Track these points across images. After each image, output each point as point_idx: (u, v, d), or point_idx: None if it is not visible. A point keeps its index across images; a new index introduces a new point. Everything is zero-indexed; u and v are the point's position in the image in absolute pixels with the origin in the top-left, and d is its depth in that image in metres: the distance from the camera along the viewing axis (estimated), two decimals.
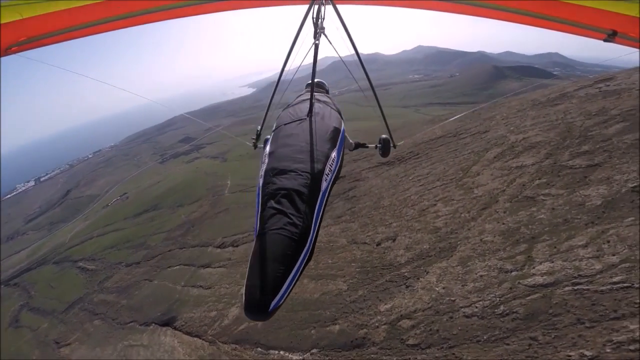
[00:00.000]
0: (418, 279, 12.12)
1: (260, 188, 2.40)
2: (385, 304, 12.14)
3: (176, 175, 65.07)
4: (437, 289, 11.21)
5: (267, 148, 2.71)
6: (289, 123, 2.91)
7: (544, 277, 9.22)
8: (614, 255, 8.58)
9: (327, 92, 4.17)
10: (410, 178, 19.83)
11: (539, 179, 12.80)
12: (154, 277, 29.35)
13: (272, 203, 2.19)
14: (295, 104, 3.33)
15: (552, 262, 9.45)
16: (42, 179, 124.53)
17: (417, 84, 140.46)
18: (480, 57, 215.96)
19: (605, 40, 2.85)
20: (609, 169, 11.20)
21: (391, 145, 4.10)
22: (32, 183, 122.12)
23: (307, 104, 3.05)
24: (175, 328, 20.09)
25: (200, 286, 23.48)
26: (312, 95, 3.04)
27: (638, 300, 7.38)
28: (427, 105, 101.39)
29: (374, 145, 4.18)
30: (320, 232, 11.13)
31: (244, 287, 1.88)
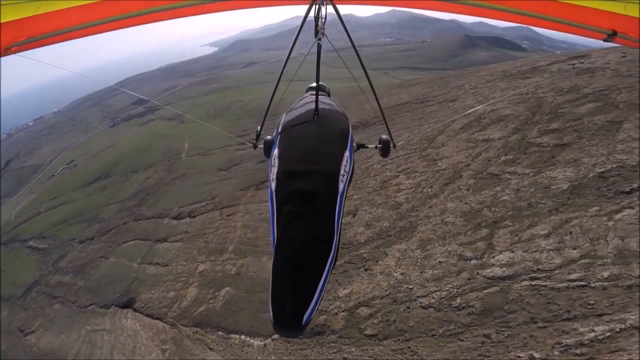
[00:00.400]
0: (377, 261, 11.57)
1: (274, 192, 2.20)
2: (344, 289, 11.59)
3: (129, 140, 61.15)
4: (395, 274, 10.69)
5: (275, 151, 2.52)
6: (295, 125, 2.75)
7: (503, 268, 8.86)
8: (574, 249, 8.25)
9: (328, 94, 3.95)
10: (374, 145, 19.16)
11: (505, 155, 12.34)
12: (109, 254, 27.95)
13: (289, 207, 2.01)
14: (298, 107, 3.17)
15: (513, 251, 9.06)
16: None
17: (388, 48, 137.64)
18: (454, 26, 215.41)
19: (605, 40, 2.85)
20: (578, 150, 10.78)
21: (391, 145, 3.97)
22: None
23: (311, 106, 2.90)
24: (135, 310, 19.42)
25: (157, 263, 22.60)
26: (317, 96, 2.90)
27: (592, 302, 7.17)
28: (397, 69, 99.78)
29: (374, 146, 4.07)
30: None
31: (270, 301, 1.70)
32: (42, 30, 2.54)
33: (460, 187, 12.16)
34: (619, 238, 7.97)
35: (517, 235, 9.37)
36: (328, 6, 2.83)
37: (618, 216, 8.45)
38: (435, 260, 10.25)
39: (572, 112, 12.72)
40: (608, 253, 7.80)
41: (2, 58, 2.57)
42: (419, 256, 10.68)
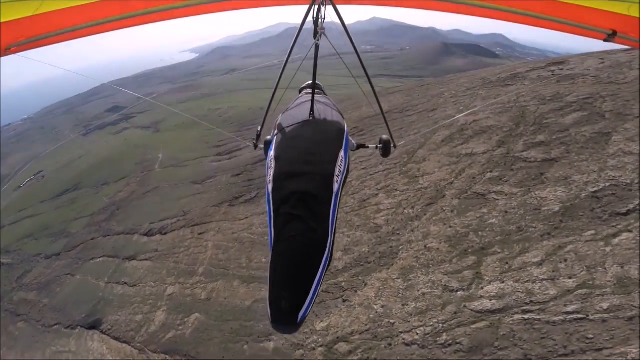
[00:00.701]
0: (356, 292, 10.57)
1: (271, 194, 2.20)
2: (322, 322, 10.56)
3: (101, 149, 58.94)
4: (375, 307, 9.71)
5: (272, 152, 2.50)
6: (291, 126, 2.71)
7: (493, 301, 7.99)
8: (570, 278, 7.47)
9: (323, 92, 3.83)
10: (353, 159, 18.27)
11: (491, 171, 11.60)
12: (76, 272, 26.61)
13: (286, 208, 2.03)
14: (294, 107, 3.14)
15: (503, 282, 8.21)
16: None
17: (368, 55, 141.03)
18: (431, 33, 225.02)
19: (605, 40, 2.83)
20: (567, 166, 10.09)
21: (392, 145, 3.93)
22: None
23: (307, 106, 2.87)
24: (102, 332, 18.29)
25: (125, 283, 21.41)
26: (313, 96, 2.85)
27: (591, 335, 6.46)
28: (376, 76, 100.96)
29: (374, 146, 4.03)
30: (255, 222, 17.82)
31: (268, 299, 1.76)
32: (42, 31, 2.53)
33: (444, 209, 11.32)
34: (618, 265, 7.27)
35: (507, 263, 8.56)
36: (328, 6, 2.82)
37: (616, 241, 7.74)
38: (418, 291, 9.34)
39: (558, 123, 12.18)
40: (607, 282, 7.09)
41: (2, 58, 2.56)
42: (401, 287, 9.74)
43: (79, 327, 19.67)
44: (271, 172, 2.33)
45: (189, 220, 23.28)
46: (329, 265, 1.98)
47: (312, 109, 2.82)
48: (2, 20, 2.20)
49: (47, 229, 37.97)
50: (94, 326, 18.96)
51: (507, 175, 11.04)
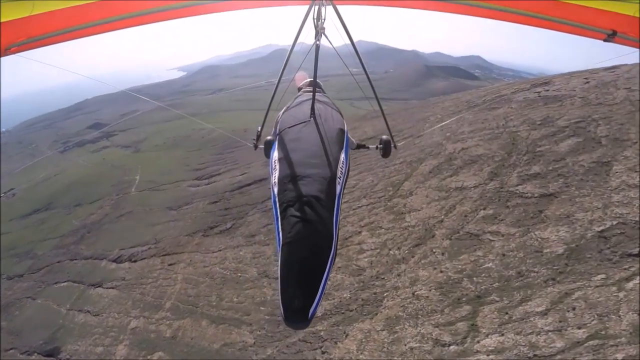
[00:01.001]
0: (336, 343, 9.38)
1: (276, 196, 2.25)
2: None
3: (78, 168, 56.54)
4: None
5: (275, 154, 2.57)
6: (292, 126, 2.77)
7: (491, 356, 7.00)
8: (579, 328, 6.57)
9: (322, 90, 3.75)
10: (375, 146, 17.75)
11: (484, 208, 10.70)
12: (37, 295, 25.20)
13: (292, 211, 2.10)
14: (294, 106, 3.17)
15: (502, 334, 7.21)
16: None
17: (354, 78, 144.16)
18: (414, 56, 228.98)
19: (605, 40, 2.80)
20: (568, 202, 9.29)
21: (392, 145, 3.90)
22: None
23: (307, 105, 2.92)
24: None
25: (88, 311, 20.41)
26: (314, 96, 2.88)
27: None
28: (362, 99, 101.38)
29: (374, 146, 4.00)
30: (228, 255, 16.84)
31: (280, 298, 1.82)
32: (42, 31, 2.52)
33: (434, 250, 10.33)
34: (633, 312, 6.44)
35: (506, 313, 7.60)
36: (328, 6, 2.83)
37: (629, 285, 6.90)
38: (405, 345, 8.21)
39: (552, 151, 11.47)
40: (622, 331, 6.27)
41: (2, 58, 2.54)
42: (386, 339, 8.60)
43: (35, 354, 18.85)
44: (276, 174, 2.39)
45: (160, 249, 21.89)
46: (333, 263, 2.03)
47: (312, 110, 2.82)
48: (2, 20, 2.17)
49: (12, 249, 35.59)
50: (51, 354, 18.25)
51: (503, 213, 10.15)
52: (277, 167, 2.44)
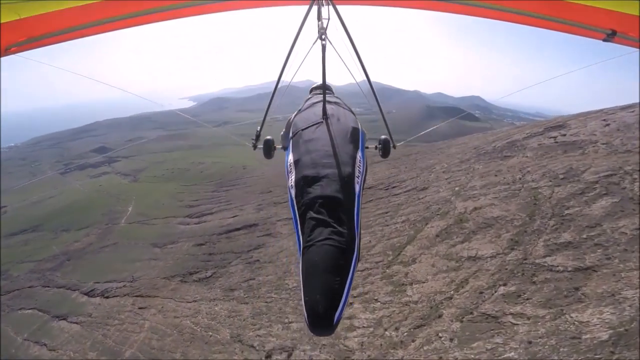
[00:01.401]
0: None
1: (294, 199, 2.26)
2: None
3: (73, 192, 56.44)
4: None
5: (290, 157, 2.58)
6: (306, 128, 2.76)
7: None
8: None
9: (332, 92, 3.73)
10: (374, 146, 16.85)
11: (504, 284, 9.09)
12: None
13: (311, 214, 2.08)
14: (306, 108, 3.16)
15: None
16: None
17: (358, 117, 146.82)
18: (416, 97, 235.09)
19: (604, 40, 2.78)
20: (612, 277, 7.76)
21: (391, 145, 3.74)
22: None
23: (319, 107, 2.92)
24: None
25: (44, 344, 19.62)
26: (324, 97, 2.91)
27: None
28: (361, 104, 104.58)
29: (374, 146, 3.77)
30: (202, 309, 15.49)
31: (304, 304, 1.78)
32: (42, 31, 2.54)
33: (440, 335, 8.77)
34: None
35: None
36: (329, 7, 2.82)
37: None
38: None
39: (584, 214, 9.75)
40: None
41: (2, 58, 2.55)
42: None
43: None
44: (292, 177, 2.38)
45: (134, 288, 21.21)
46: (357, 264, 2.00)
47: (324, 111, 2.82)
48: (3, 21, 2.19)
49: None
50: None
51: (529, 290, 8.53)
52: (293, 169, 2.45)
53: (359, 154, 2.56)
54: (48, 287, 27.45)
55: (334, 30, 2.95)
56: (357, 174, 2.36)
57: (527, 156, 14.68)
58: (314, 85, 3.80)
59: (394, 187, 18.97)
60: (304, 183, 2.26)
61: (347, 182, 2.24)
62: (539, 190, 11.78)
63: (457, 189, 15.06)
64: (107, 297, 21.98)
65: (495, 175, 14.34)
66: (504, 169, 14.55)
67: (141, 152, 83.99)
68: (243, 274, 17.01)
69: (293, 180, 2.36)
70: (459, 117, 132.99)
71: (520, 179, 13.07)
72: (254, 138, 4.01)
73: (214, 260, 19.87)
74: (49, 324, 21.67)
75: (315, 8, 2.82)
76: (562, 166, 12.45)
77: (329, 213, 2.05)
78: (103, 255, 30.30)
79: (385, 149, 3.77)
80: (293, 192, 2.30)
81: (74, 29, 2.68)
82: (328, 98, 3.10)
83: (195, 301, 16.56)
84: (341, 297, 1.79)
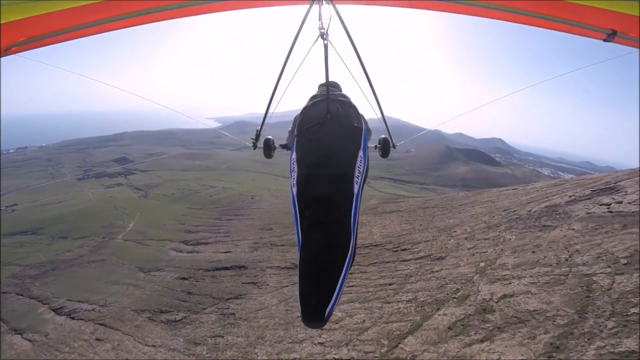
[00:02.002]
0: None
1: (295, 198, 2.34)
2: None
3: (83, 200, 56.53)
4: None
5: (294, 155, 2.68)
6: (309, 127, 2.85)
7: None
8: None
9: (340, 90, 3.65)
10: (373, 145, 14.46)
11: None
12: None
13: (310, 212, 2.19)
14: (311, 106, 3.21)
15: None
16: None
17: (373, 154, 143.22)
18: (436, 136, 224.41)
19: (605, 40, 2.77)
20: None
21: (391, 145, 3.86)
22: None
23: (323, 106, 2.96)
24: None
25: None
26: (328, 96, 2.98)
27: None
28: (378, 179, 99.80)
29: (373, 146, 3.83)
30: (158, 358, 12.85)
31: (298, 297, 1.91)
32: (42, 31, 2.53)
33: None
34: None
35: None
36: (330, 7, 2.82)
37: None
38: None
39: None
40: None
41: (2, 58, 2.55)
42: None
43: None
44: (294, 175, 2.48)
45: (101, 314, 19.69)
46: (351, 264, 2.07)
47: (328, 109, 2.88)
48: (3, 21, 2.17)
49: None
50: None
51: None
52: (296, 168, 2.52)
53: (360, 152, 2.55)
54: (21, 295, 26.38)
55: (334, 31, 2.93)
56: (356, 174, 2.37)
57: (573, 229, 11.43)
58: (321, 83, 3.58)
59: (404, 250, 16.10)
60: (305, 182, 2.35)
61: (346, 182, 2.29)
62: (594, 279, 8.74)
63: (482, 264, 11.84)
64: (72, 318, 20.57)
65: (533, 252, 11.09)
66: (543, 243, 11.33)
67: (159, 167, 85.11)
68: (213, 327, 14.84)
69: (295, 178, 2.43)
70: (480, 161, 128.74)
71: (566, 260, 10.01)
72: (254, 138, 3.98)
73: (190, 302, 17.96)
74: (3, 336, 20.51)
75: (315, 8, 2.80)
76: (624, 247, 9.40)
77: (326, 212, 2.14)
78: (87, 271, 29.07)
79: (384, 149, 3.78)
80: (295, 190, 2.36)
81: (74, 28, 2.66)
82: (335, 96, 3.14)
83: (154, 346, 14.61)
84: (333, 293, 1.87)
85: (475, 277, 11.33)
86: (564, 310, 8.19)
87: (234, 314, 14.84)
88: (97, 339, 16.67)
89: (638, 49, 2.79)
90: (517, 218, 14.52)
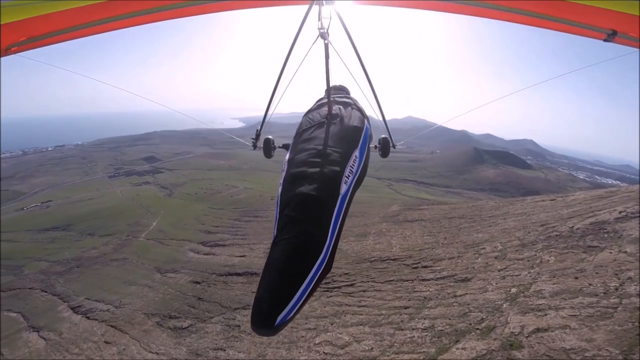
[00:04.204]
0: None
1: (279, 196, 2.23)
2: None
3: (112, 197, 58.61)
4: None
5: (287, 155, 2.63)
6: (308, 128, 2.79)
7: None
8: None
9: (346, 93, 3.70)
10: (373, 145, 13.72)
11: None
12: None
13: (287, 211, 2.05)
14: (314, 109, 3.20)
15: None
16: None
17: (397, 155, 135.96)
18: (463, 137, 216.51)
19: (605, 40, 2.74)
20: None
21: (391, 145, 3.71)
22: None
23: (326, 108, 2.94)
24: None
25: (1, 354, 18.87)
26: (329, 97, 2.98)
27: None
28: (401, 180, 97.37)
29: (373, 146, 3.58)
30: None
31: (254, 299, 1.73)
32: (42, 31, 2.53)
33: None
34: None
35: None
36: (330, 7, 2.80)
37: None
38: None
39: None
40: None
41: (2, 58, 2.56)
42: None
43: None
44: (283, 174, 2.39)
45: (115, 316, 19.92)
46: (325, 271, 1.90)
47: (329, 111, 2.87)
48: (3, 22, 2.17)
49: (9, 259, 36.13)
50: None
51: None
52: (285, 167, 2.44)
53: (356, 152, 2.48)
54: (45, 292, 27.24)
55: (334, 31, 2.96)
56: (346, 173, 2.26)
57: (625, 251, 9.57)
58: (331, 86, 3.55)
59: (424, 267, 14.27)
60: (290, 181, 2.23)
61: (331, 181, 2.17)
62: None
63: (513, 290, 10.04)
64: (87, 318, 20.89)
65: (576, 278, 9.32)
66: (589, 268, 9.48)
67: (185, 166, 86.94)
68: (217, 338, 14.23)
69: (282, 177, 2.36)
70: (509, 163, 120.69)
71: (616, 289, 8.29)
72: (254, 137, 3.95)
73: (199, 309, 17.66)
74: (21, 333, 21.10)
75: (315, 8, 2.77)
76: None
77: (304, 211, 2.00)
78: (109, 270, 29.75)
79: (384, 148, 3.67)
80: (280, 189, 2.28)
81: (75, 28, 2.64)
82: (341, 98, 3.17)
83: (157, 354, 14.35)
84: (291, 299, 1.69)
85: (504, 305, 9.75)
86: (607, 349, 6.81)
87: (239, 326, 14.37)
88: (106, 342, 16.76)
89: (638, 49, 2.75)
90: (557, 235, 12.55)
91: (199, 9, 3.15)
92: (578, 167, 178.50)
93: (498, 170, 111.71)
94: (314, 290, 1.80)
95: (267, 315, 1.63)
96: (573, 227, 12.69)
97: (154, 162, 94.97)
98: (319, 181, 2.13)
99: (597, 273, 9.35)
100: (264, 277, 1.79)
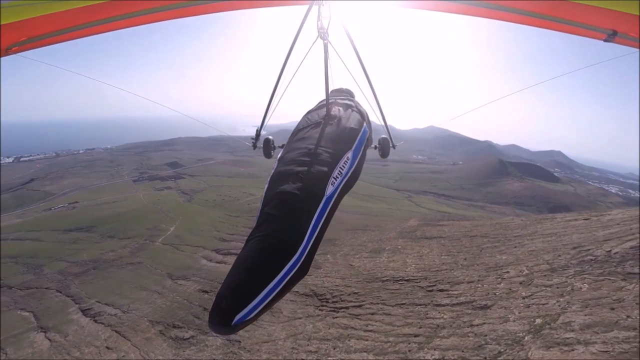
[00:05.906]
0: None
1: (264, 194, 2.21)
2: None
3: (134, 201, 59.97)
4: None
5: (280, 154, 2.61)
6: (304, 128, 2.80)
7: None
8: None
9: (349, 96, 3.67)
10: (373, 145, 12.92)
11: None
12: None
13: (267, 208, 2.02)
14: (314, 110, 3.21)
15: None
16: (22, 159, 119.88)
17: (417, 166, 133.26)
18: (487, 148, 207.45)
19: (605, 41, 2.75)
20: None
21: (390, 145, 3.74)
22: (9, 160, 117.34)
23: (324, 108, 2.98)
24: None
25: (5, 353, 19.08)
26: (327, 98, 3.01)
27: None
28: (421, 192, 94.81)
29: (373, 146, 3.67)
30: None
31: (215, 295, 1.65)
32: (42, 30, 2.55)
33: None
34: None
35: None
36: (329, 7, 2.82)
37: None
38: None
39: None
40: None
41: (3, 58, 2.57)
42: None
43: None
44: (272, 172, 2.38)
45: (121, 321, 19.96)
46: (299, 273, 1.81)
47: (327, 111, 2.89)
48: (3, 22, 2.18)
49: (31, 257, 37.26)
50: None
51: None
52: (275, 165, 2.44)
53: (349, 154, 2.44)
54: (60, 292, 27.71)
55: (334, 31, 2.94)
56: (335, 174, 2.23)
57: None
58: (335, 89, 3.69)
59: (440, 291, 12.97)
60: (276, 178, 2.21)
61: (316, 181, 2.14)
62: None
63: (538, 321, 8.68)
64: (95, 321, 21.08)
65: (612, 309, 8.10)
66: (628, 297, 8.30)
67: (206, 173, 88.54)
68: (215, 353, 13.49)
69: (270, 175, 2.34)
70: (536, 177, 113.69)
71: None
72: (254, 137, 3.96)
73: (203, 320, 17.28)
74: (29, 333, 21.36)
75: (315, 8, 2.78)
76: None
77: (283, 210, 1.95)
78: (123, 273, 30.11)
79: (384, 149, 3.64)
80: (266, 186, 2.25)
81: (75, 28, 2.66)
82: (342, 100, 3.20)
83: None
84: (253, 298, 1.59)
85: (526, 338, 8.41)
86: None
87: (239, 341, 13.84)
88: (107, 347, 16.76)
89: (638, 49, 2.73)
90: (591, 260, 11.07)
91: (199, 9, 3.16)
92: (610, 180, 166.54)
93: (524, 184, 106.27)
94: (283, 292, 1.71)
95: (225, 313, 1.54)
96: (610, 250, 11.23)
97: (177, 167, 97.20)
98: (304, 180, 2.09)
99: (637, 304, 8.03)
100: (230, 273, 1.70)
